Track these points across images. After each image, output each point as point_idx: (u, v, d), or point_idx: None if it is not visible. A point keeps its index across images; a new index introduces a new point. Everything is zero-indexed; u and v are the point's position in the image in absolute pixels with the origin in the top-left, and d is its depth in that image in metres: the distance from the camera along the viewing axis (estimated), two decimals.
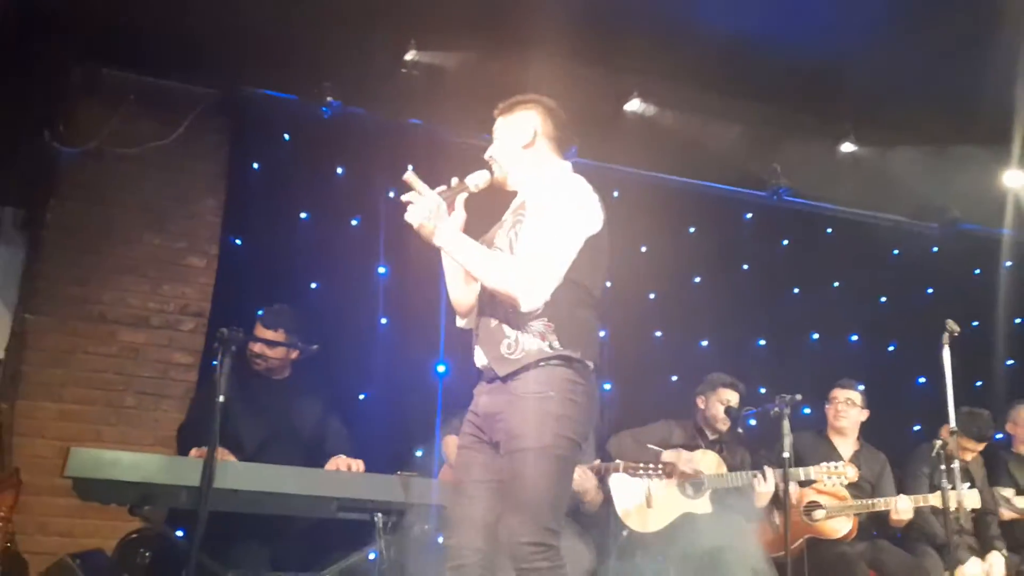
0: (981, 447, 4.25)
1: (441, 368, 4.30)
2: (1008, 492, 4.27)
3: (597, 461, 3.74)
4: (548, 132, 2.38)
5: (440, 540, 3.42)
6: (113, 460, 2.57)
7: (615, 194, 5.12)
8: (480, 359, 2.26)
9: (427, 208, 2.16)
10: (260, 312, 3.47)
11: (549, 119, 2.39)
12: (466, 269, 2.25)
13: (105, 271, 4.20)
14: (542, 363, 2.13)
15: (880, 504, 3.90)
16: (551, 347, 2.14)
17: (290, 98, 4.42)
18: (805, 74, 4.36)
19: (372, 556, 2.87)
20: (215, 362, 2.70)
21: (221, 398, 2.60)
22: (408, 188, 2.20)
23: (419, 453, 3.96)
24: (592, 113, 4.73)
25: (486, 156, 2.45)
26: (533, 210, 2.24)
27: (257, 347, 3.32)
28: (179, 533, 2.99)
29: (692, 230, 5.29)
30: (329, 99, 4.23)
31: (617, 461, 3.66)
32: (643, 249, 5.13)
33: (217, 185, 4.45)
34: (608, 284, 4.78)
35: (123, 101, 4.27)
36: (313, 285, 4.30)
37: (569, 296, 2.19)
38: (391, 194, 4.54)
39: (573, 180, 2.28)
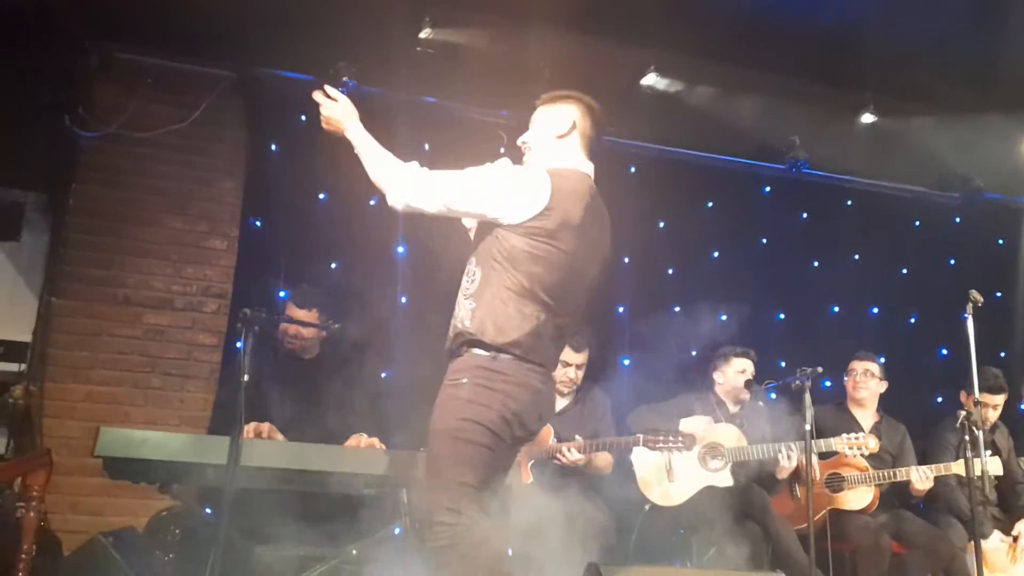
0: (1000, 399, 4.20)
1: None
2: None
3: (611, 438, 3.74)
4: (584, 129, 2.46)
5: None
6: (142, 439, 2.61)
7: (632, 169, 5.11)
8: None
9: (340, 109, 2.48)
10: (284, 294, 3.51)
11: (588, 117, 2.47)
12: (362, 161, 2.46)
13: (128, 254, 4.25)
14: (464, 348, 2.25)
15: (901, 474, 3.90)
16: (469, 333, 2.23)
17: (306, 78, 4.41)
18: (822, 45, 4.30)
19: (397, 531, 2.91)
20: (239, 342, 2.74)
21: (246, 377, 2.63)
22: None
23: None
24: (608, 88, 4.68)
25: (519, 141, 2.53)
26: None
27: (292, 328, 3.40)
28: (208, 511, 3.05)
29: (710, 205, 5.26)
30: (345, 79, 4.22)
31: (637, 435, 3.68)
32: (661, 225, 5.11)
33: (236, 167, 4.48)
34: (627, 260, 4.86)
35: (140, 85, 4.30)
36: (333, 265, 4.33)
37: (499, 283, 2.25)
38: None
39: (558, 171, 2.33)
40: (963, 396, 4.04)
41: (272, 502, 2.79)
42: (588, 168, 2.43)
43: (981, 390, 4.03)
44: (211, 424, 3.86)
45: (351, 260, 4.35)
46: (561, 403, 3.93)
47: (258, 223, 4.38)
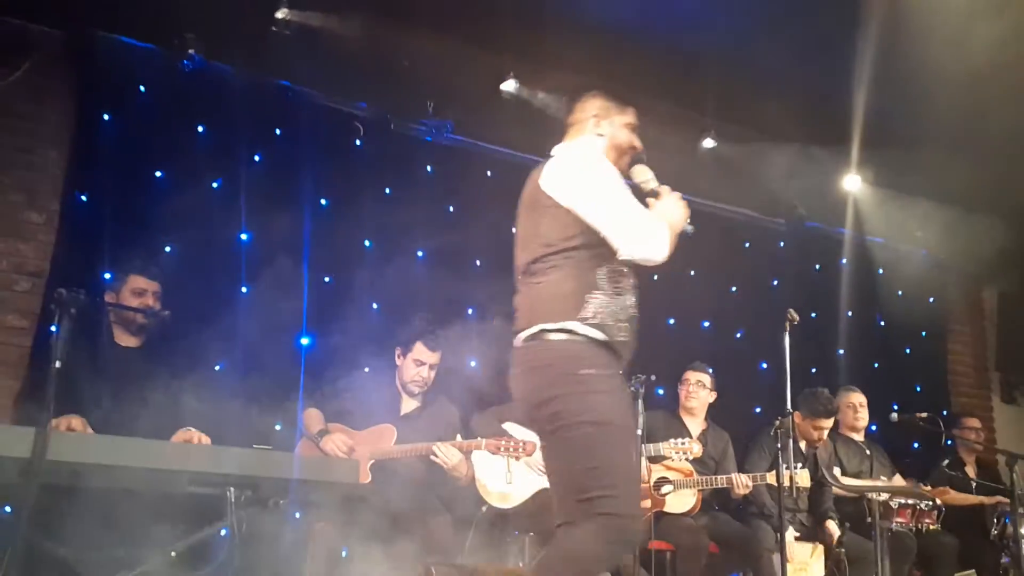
0: (830, 422, 4.50)
1: (305, 341, 4.18)
2: (836, 471, 4.67)
3: (458, 438, 3.76)
4: None
5: (297, 515, 3.36)
6: None
7: (488, 173, 5.16)
8: None
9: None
10: (109, 275, 3.26)
11: None
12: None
13: None
14: None
15: (722, 480, 4.17)
16: None
17: (148, 47, 4.13)
18: (670, 67, 4.53)
19: (223, 532, 2.76)
20: (54, 326, 2.50)
21: (58, 364, 2.42)
22: None
23: (278, 427, 3.85)
24: (469, 91, 4.73)
25: (641, 149, 2.66)
26: None
27: (136, 300, 3.22)
28: (6, 509, 2.76)
29: None
30: (191, 52, 3.99)
31: (480, 439, 3.71)
32: (514, 230, 5.15)
33: (62, 136, 4.09)
34: (478, 263, 4.88)
35: None
36: (167, 249, 4.06)
37: None
38: (257, 158, 4.36)
39: None
40: (798, 416, 4.24)
41: (83, 500, 2.57)
42: None
43: (816, 415, 4.39)
44: (16, 414, 3.50)
45: (188, 245, 4.10)
46: (410, 404, 3.90)
47: (84, 197, 4.03)
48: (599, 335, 2.27)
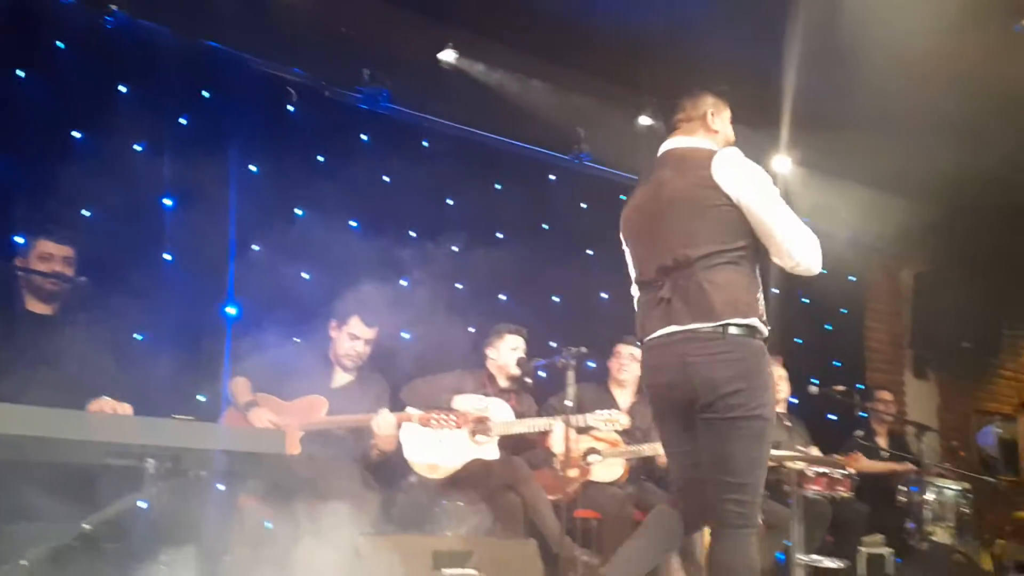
0: None
1: (231, 310, 4.10)
2: None
3: (384, 410, 3.73)
4: None
5: (221, 488, 3.30)
6: None
7: (424, 143, 5.11)
8: None
9: None
10: (22, 239, 3.11)
11: None
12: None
13: None
14: None
15: (647, 450, 4.27)
16: None
17: (68, 2, 3.93)
18: (608, 44, 4.55)
19: (144, 505, 2.70)
20: None
21: None
22: None
23: (202, 398, 3.77)
24: (406, 58, 4.66)
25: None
26: None
27: (44, 265, 3.09)
28: None
29: (498, 186, 5.39)
30: (114, 8, 3.82)
31: (410, 410, 3.71)
32: (449, 201, 5.15)
33: None
34: (413, 234, 4.85)
35: None
36: (86, 213, 3.90)
37: None
38: (183, 121, 4.21)
39: None
40: None
41: None
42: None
43: None
44: None
45: (108, 209, 3.94)
46: (344, 378, 3.86)
47: None
48: (766, 333, 2.52)
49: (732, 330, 2.47)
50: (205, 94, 4.27)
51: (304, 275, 4.42)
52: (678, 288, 2.55)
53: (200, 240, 3.83)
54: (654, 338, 2.62)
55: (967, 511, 4.79)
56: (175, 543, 2.65)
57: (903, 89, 4.55)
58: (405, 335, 4.80)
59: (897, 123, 4.78)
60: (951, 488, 4.91)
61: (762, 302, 2.53)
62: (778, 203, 2.52)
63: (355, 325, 3.78)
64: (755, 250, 2.57)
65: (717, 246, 2.50)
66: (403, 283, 4.87)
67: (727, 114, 2.80)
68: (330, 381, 3.84)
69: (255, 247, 4.27)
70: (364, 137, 4.87)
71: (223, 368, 3.74)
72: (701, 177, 2.55)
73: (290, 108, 4.50)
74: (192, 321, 3.86)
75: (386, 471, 3.76)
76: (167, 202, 4.09)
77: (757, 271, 2.59)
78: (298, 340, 3.92)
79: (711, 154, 2.59)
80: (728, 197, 2.51)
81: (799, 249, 2.49)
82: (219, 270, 3.95)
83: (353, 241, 4.65)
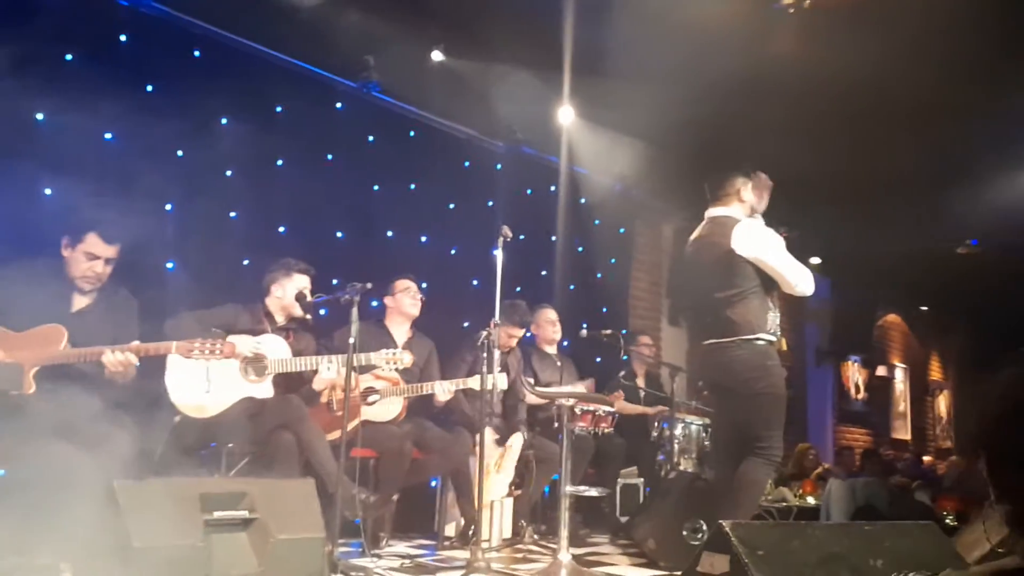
0: (522, 332, 4.96)
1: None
2: (530, 380, 5.03)
3: (136, 343, 3.34)
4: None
5: None
6: None
7: (196, 53, 4.62)
8: None
9: None
10: None
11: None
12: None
13: None
14: None
15: (426, 387, 4.28)
16: None
17: None
18: None
19: None
20: None
21: None
22: None
23: None
24: None
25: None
26: None
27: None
28: None
29: (279, 109, 5.02)
30: None
31: (169, 342, 3.36)
32: (223, 121, 4.71)
33: None
34: (180, 153, 4.40)
35: None
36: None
37: None
38: None
39: None
40: (492, 323, 4.50)
41: None
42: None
43: (513, 323, 4.73)
44: None
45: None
46: (81, 301, 3.40)
47: None
48: (772, 338, 3.56)
49: (751, 342, 3.56)
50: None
51: (47, 190, 3.83)
52: (710, 313, 3.69)
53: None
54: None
55: (708, 443, 5.35)
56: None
57: (679, 47, 4.75)
58: (169, 265, 4.37)
59: (663, 80, 4.98)
60: (695, 424, 5.46)
61: (771, 319, 3.60)
62: (782, 254, 3.56)
63: (92, 242, 3.31)
64: (765, 284, 3.62)
65: (736, 289, 3.57)
66: (167, 208, 4.41)
67: (752, 187, 3.71)
68: (69, 306, 3.36)
69: None
70: (123, 37, 4.28)
71: None
72: (717, 242, 3.67)
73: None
74: None
75: (146, 409, 3.40)
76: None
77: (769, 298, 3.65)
78: (29, 260, 3.34)
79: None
80: (743, 256, 3.57)
81: (799, 282, 3.56)
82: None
83: (106, 155, 4.12)
